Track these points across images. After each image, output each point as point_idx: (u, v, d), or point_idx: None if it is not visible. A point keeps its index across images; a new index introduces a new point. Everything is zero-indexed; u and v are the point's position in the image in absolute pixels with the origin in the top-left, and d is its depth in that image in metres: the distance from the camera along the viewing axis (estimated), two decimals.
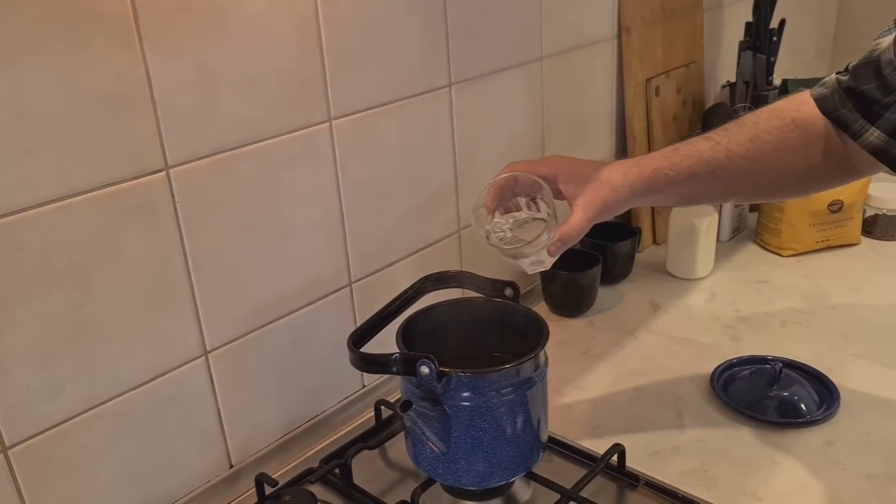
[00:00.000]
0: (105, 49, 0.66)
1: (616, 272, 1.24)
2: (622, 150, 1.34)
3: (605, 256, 1.19)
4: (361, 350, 0.73)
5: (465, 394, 0.70)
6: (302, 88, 0.82)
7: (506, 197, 0.78)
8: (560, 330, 1.13)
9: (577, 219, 0.75)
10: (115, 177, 0.69)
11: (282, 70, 0.79)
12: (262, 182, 0.81)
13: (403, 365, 0.70)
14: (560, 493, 0.77)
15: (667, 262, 1.28)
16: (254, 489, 0.82)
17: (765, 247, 1.34)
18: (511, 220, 0.78)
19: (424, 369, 0.69)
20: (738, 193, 0.86)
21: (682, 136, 1.39)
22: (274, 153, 0.81)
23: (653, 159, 0.78)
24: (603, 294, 1.20)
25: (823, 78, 0.79)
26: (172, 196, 0.73)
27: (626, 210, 0.80)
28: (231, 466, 0.85)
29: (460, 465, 0.73)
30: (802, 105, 0.78)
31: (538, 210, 0.78)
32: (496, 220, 0.78)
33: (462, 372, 0.70)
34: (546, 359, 0.76)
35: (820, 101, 0.77)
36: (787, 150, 0.77)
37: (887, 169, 0.75)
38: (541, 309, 1.18)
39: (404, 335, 0.76)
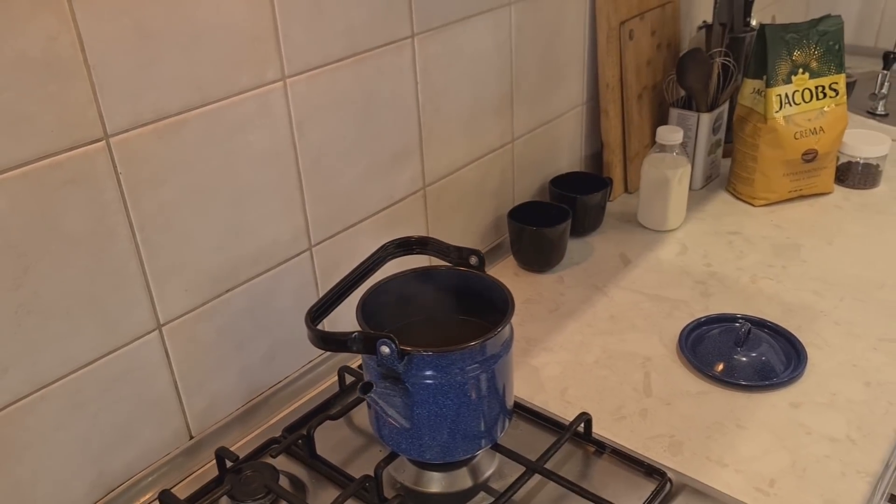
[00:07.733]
0: (29, 10, 0.60)
1: (586, 224, 1.22)
2: (594, 97, 1.29)
3: (574, 208, 1.16)
4: (319, 328, 0.70)
5: (429, 372, 0.68)
6: (252, 45, 0.76)
7: None
8: (529, 287, 1.11)
9: None
10: (49, 149, 0.64)
11: (229, 26, 0.74)
12: (212, 147, 0.76)
13: (363, 344, 0.67)
14: (525, 465, 0.76)
15: (638, 213, 1.25)
16: (215, 460, 0.80)
17: (737, 196, 1.32)
18: None
19: (385, 349, 0.66)
20: None
21: (657, 82, 1.35)
22: (224, 116, 0.76)
23: None
24: (573, 247, 1.18)
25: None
26: (114, 166, 0.69)
27: None
28: (191, 438, 0.83)
29: (424, 440, 0.72)
30: None
31: None
32: None
33: (424, 351, 0.67)
34: (512, 332, 0.74)
35: None
36: None
37: None
38: (509, 265, 1.16)
39: (364, 308, 0.73)
